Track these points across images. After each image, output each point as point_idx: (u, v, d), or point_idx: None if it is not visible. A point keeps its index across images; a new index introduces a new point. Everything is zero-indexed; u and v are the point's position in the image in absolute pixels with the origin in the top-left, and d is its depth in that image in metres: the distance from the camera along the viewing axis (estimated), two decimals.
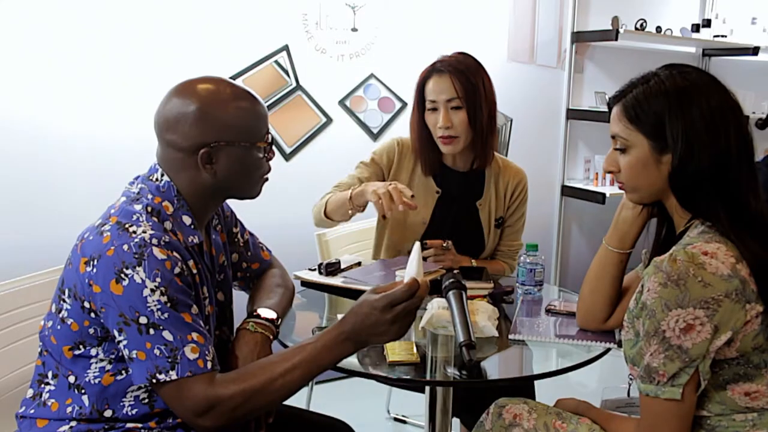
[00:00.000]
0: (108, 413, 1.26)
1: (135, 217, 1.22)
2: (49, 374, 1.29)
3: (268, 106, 2.84)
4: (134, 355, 1.17)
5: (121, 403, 1.27)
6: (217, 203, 1.39)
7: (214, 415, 1.17)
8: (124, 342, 1.18)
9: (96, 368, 1.25)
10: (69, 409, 1.26)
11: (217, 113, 1.26)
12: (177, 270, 1.19)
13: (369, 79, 3.09)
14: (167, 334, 1.16)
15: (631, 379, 1.44)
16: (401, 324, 1.20)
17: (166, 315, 1.16)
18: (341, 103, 3.04)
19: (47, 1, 2.37)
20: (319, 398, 2.52)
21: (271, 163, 1.37)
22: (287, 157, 2.94)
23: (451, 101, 1.94)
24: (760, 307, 1.15)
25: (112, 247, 1.17)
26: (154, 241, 1.18)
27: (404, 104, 3.14)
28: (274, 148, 1.37)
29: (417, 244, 1.30)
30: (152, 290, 1.16)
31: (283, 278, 1.64)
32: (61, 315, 1.25)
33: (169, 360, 1.16)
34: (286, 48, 2.87)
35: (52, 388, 1.28)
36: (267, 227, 2.82)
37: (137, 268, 1.15)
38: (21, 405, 1.33)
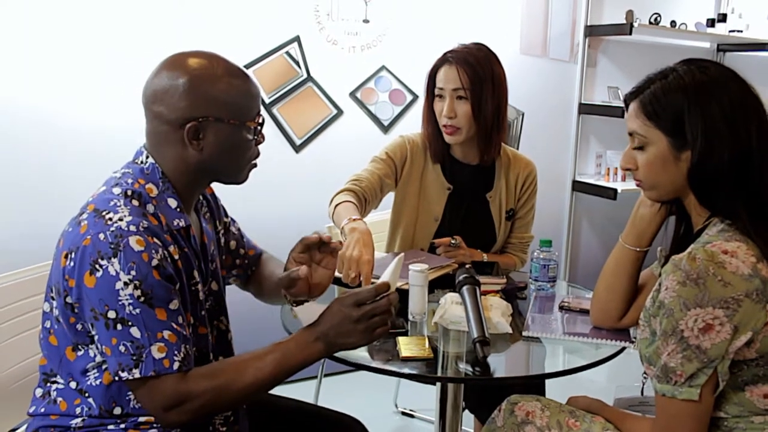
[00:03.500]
0: (117, 410, 1.23)
1: (112, 203, 1.18)
2: (53, 372, 1.26)
3: (278, 98, 2.85)
4: (103, 351, 1.15)
5: (128, 398, 1.23)
6: (203, 185, 1.34)
7: (182, 410, 1.15)
8: (97, 337, 1.15)
9: (95, 369, 1.22)
10: (78, 410, 1.24)
11: (207, 87, 1.22)
12: (155, 262, 1.14)
13: (380, 71, 3.06)
14: (135, 331, 1.13)
15: (645, 377, 1.42)
16: (367, 325, 1.18)
17: (137, 310, 1.13)
18: (352, 95, 3.02)
19: None
20: (327, 391, 2.52)
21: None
22: (297, 148, 2.92)
23: (457, 91, 1.95)
24: None
25: (89, 237, 1.13)
26: (132, 228, 1.14)
27: (415, 97, 3.12)
28: (267, 133, 1.30)
29: (401, 256, 1.29)
30: (126, 283, 1.12)
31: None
32: (54, 314, 1.22)
33: (134, 358, 1.13)
34: (297, 39, 2.85)
35: (60, 386, 1.26)
36: (277, 218, 2.83)
37: (112, 260, 1.11)
38: (31, 405, 1.30)
